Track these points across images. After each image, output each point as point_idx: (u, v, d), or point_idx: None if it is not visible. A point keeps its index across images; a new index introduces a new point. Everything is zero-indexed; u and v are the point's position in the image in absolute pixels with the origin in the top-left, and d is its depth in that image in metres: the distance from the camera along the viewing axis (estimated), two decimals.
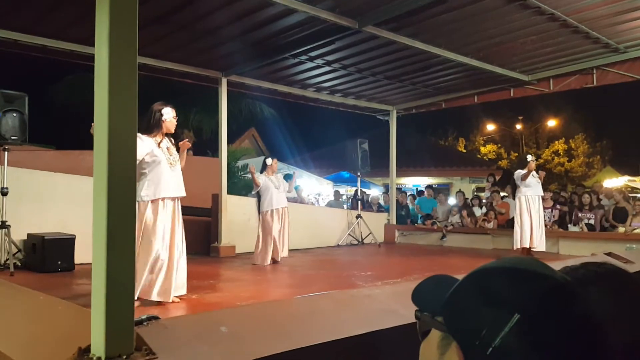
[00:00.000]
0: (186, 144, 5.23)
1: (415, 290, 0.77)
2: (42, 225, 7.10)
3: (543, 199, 9.56)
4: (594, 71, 9.01)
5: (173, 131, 5.07)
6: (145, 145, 4.76)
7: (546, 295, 0.62)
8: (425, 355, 0.72)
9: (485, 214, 11.12)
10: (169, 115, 4.97)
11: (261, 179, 8.00)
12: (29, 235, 6.89)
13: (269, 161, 8.27)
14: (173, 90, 13.10)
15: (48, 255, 6.54)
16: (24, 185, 7.18)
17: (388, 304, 2.39)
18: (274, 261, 8.01)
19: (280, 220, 8.07)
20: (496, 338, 0.60)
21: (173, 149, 5.04)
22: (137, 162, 4.73)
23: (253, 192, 8.31)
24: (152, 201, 4.74)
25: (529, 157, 8.73)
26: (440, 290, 0.71)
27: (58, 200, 7.51)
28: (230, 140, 11.86)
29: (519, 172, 8.72)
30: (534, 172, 8.69)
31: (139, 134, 4.74)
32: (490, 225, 10.84)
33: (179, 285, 4.89)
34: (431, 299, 0.73)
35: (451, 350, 0.66)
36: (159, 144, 4.90)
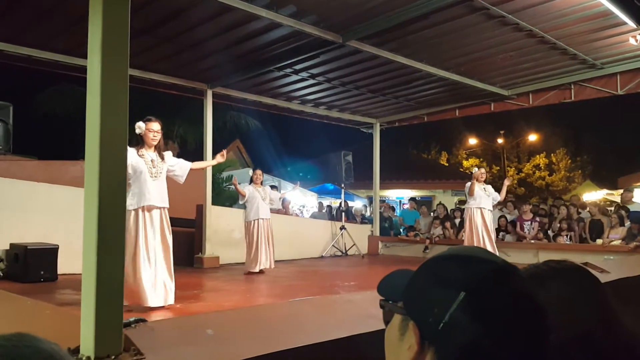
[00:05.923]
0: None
1: (380, 282, 0.88)
2: (24, 236, 7.05)
3: (522, 211, 9.68)
4: (572, 86, 9.23)
5: (151, 144, 5.12)
6: (129, 156, 4.87)
7: (486, 275, 0.73)
8: (389, 337, 0.82)
9: (464, 225, 11.27)
10: (140, 129, 5.07)
11: (247, 189, 8.22)
12: (11, 245, 6.84)
13: (250, 172, 8.76)
14: (157, 100, 13.09)
15: (31, 265, 6.50)
16: (6, 195, 7.16)
17: (368, 309, 2.47)
18: (260, 271, 8.06)
19: (263, 230, 8.17)
20: (446, 315, 0.70)
21: (158, 161, 5.13)
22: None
23: (240, 203, 8.45)
24: (135, 210, 4.88)
25: (475, 170, 8.85)
26: (401, 281, 0.82)
27: (40, 210, 7.48)
28: (214, 152, 11.86)
29: (468, 184, 8.79)
30: (485, 186, 8.74)
31: None
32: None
33: (158, 295, 4.88)
34: (393, 288, 0.83)
35: (409, 330, 0.76)
36: (138, 152, 5.02)
